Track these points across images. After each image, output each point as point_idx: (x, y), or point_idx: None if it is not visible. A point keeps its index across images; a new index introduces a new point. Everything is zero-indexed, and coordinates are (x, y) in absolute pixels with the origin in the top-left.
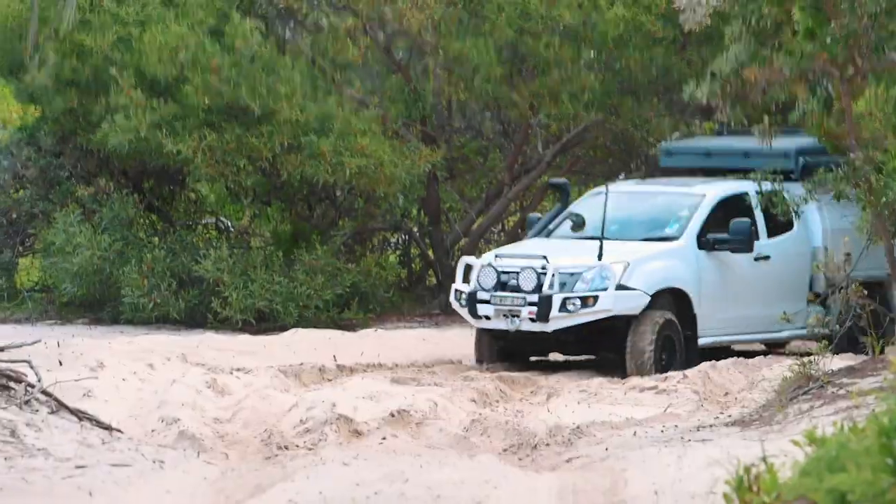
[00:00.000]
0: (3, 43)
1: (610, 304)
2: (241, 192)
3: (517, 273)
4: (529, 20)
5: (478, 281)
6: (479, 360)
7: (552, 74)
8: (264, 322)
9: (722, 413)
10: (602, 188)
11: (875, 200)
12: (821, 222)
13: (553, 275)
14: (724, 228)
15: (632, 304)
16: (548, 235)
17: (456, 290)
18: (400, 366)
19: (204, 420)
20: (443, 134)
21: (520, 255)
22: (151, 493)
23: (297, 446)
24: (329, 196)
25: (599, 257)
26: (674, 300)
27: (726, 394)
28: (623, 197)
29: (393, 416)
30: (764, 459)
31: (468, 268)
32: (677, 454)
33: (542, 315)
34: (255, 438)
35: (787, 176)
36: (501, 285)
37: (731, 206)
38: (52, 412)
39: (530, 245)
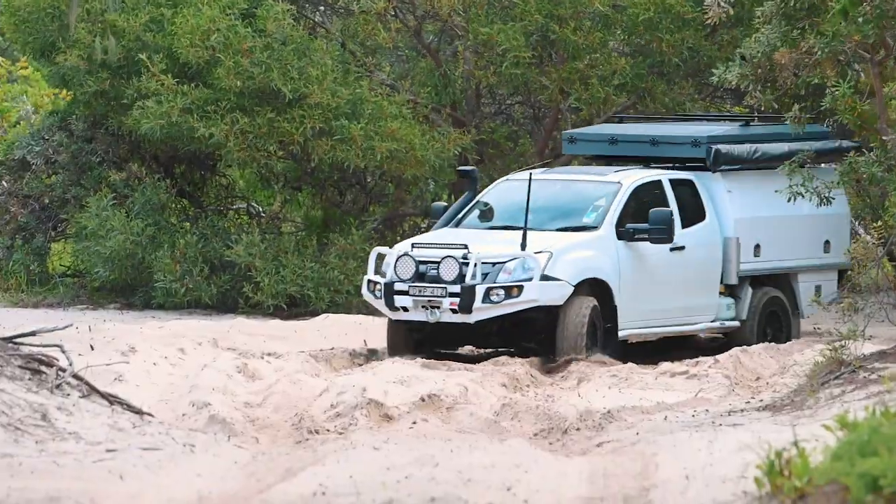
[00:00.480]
0: (35, 25)
1: (535, 295)
2: (272, 178)
3: (437, 263)
4: (559, 5)
5: (395, 271)
6: (393, 354)
7: (582, 59)
8: (295, 307)
9: (753, 398)
10: (510, 176)
11: None
12: (732, 212)
13: (476, 265)
14: (641, 218)
15: (556, 294)
16: (457, 225)
17: (369, 282)
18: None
19: (235, 404)
20: (473, 119)
21: (440, 245)
22: (182, 476)
23: (328, 430)
24: (360, 181)
25: (523, 247)
26: (594, 291)
27: (757, 378)
28: (535, 185)
29: (423, 400)
30: (795, 444)
31: (380, 258)
32: (708, 439)
33: (465, 306)
34: (286, 423)
35: (697, 166)
36: (420, 276)
37: (646, 195)
38: (84, 396)
39: (443, 235)
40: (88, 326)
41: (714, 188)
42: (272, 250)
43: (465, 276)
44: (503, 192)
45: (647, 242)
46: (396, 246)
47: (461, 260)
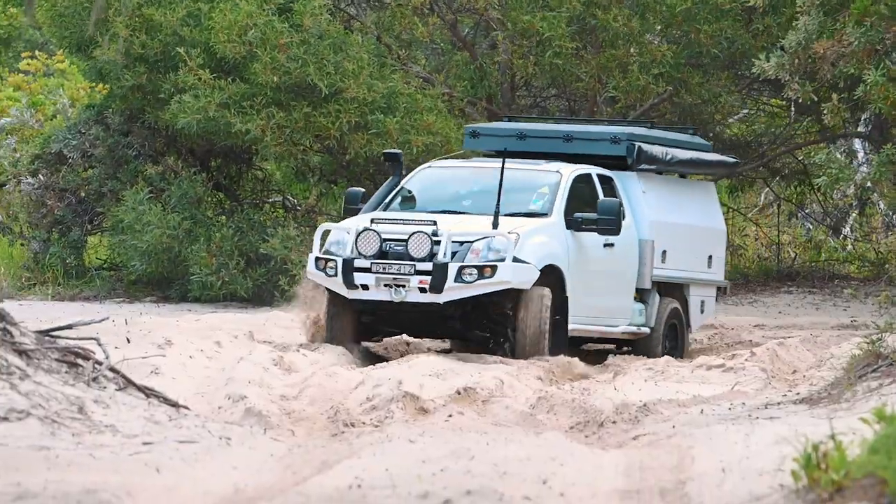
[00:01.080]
0: (72, 19)
1: (509, 276)
2: (308, 171)
3: (404, 240)
4: None
5: (355, 247)
6: (331, 340)
7: (620, 47)
8: None
9: (790, 391)
10: (432, 163)
11: None
12: (647, 213)
13: (447, 242)
14: (578, 209)
15: (526, 277)
16: (385, 209)
17: (318, 259)
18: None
19: (270, 397)
20: (508, 111)
21: (406, 221)
22: (218, 468)
23: (364, 423)
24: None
25: (495, 226)
26: (549, 280)
27: (794, 371)
28: (467, 172)
29: (459, 393)
30: (832, 437)
31: (326, 234)
32: (745, 432)
33: (437, 285)
34: (322, 415)
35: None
36: (383, 253)
37: (581, 188)
38: (120, 389)
39: (356, 220)
40: (125, 319)
41: (630, 188)
42: (308, 243)
43: (436, 253)
44: (427, 179)
45: (591, 234)
46: (345, 222)
47: (432, 237)
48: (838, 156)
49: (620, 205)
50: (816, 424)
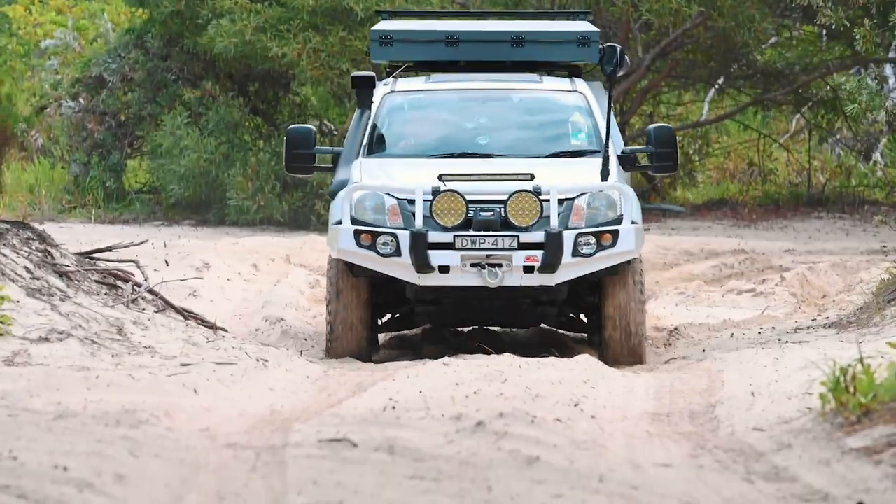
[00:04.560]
0: None
1: (632, 244)
2: (345, 95)
3: (502, 201)
4: None
5: (433, 215)
6: (339, 350)
7: None
8: None
9: (819, 315)
10: (394, 88)
11: None
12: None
13: (555, 202)
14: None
15: (641, 245)
16: (368, 155)
17: (359, 232)
18: None
19: (307, 320)
20: None
21: (496, 175)
22: (255, 390)
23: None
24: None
25: (604, 176)
26: None
27: (824, 296)
28: (454, 98)
29: None
30: (861, 361)
31: (364, 198)
32: (774, 356)
33: (551, 262)
34: None
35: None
36: (466, 222)
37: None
38: (159, 311)
39: (360, 172)
40: (164, 242)
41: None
42: None
43: (548, 217)
44: (403, 110)
45: (652, 172)
46: (402, 175)
47: (539, 196)
48: (869, 82)
49: (673, 131)
50: (845, 348)
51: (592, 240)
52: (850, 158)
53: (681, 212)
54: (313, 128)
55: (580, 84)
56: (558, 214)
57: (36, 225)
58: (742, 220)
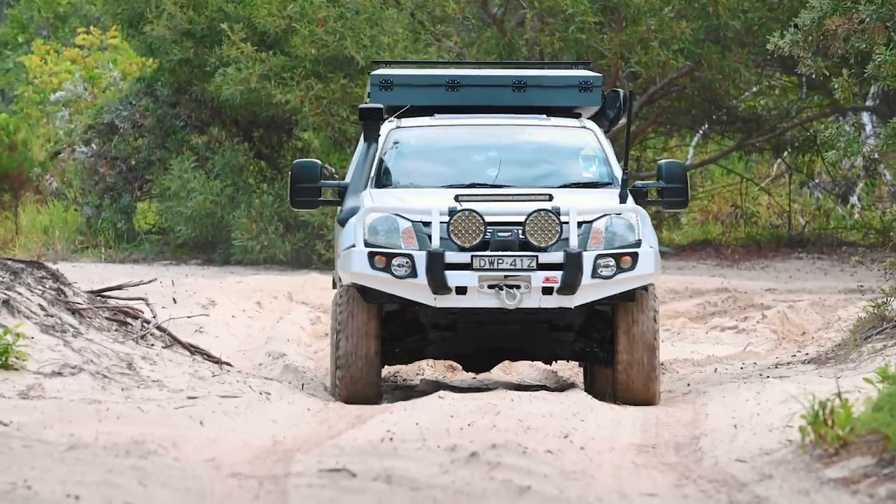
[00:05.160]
0: None
1: (651, 267)
2: (345, 141)
3: (520, 222)
4: None
5: (450, 235)
6: (362, 393)
7: (642, 24)
8: None
9: (799, 351)
10: (400, 123)
11: None
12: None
13: (575, 223)
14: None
15: (659, 269)
16: (377, 185)
17: (373, 255)
18: None
19: (308, 355)
20: None
21: (515, 197)
22: (258, 422)
23: (395, 381)
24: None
25: (623, 199)
26: None
27: (803, 333)
28: (461, 133)
29: None
30: (839, 395)
31: (378, 222)
32: (756, 390)
33: (570, 283)
34: None
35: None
36: (484, 243)
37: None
38: (167, 346)
39: (371, 199)
40: (171, 281)
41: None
42: None
43: (567, 239)
44: (410, 143)
45: (663, 208)
46: (415, 199)
47: (559, 217)
48: (847, 129)
49: (685, 167)
50: (823, 383)
51: (612, 262)
52: (829, 202)
53: (666, 252)
54: (318, 161)
55: (588, 121)
56: (578, 236)
57: (50, 264)
58: (725, 260)
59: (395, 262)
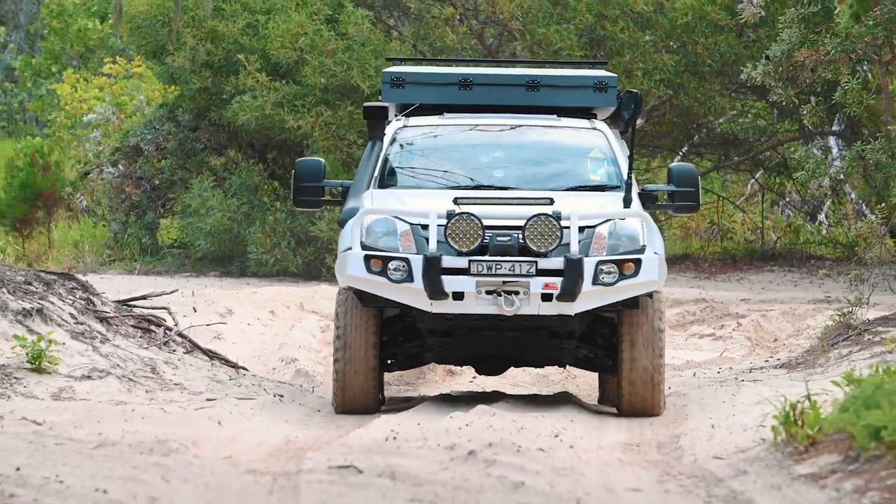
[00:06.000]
0: (148, 30)
1: (655, 274)
2: (353, 163)
3: (519, 227)
4: (607, 6)
5: (446, 238)
6: (361, 402)
7: (626, 56)
8: None
9: (771, 357)
10: (407, 123)
11: None
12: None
13: (576, 228)
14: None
15: (664, 276)
16: (379, 187)
17: (369, 258)
18: None
19: (318, 360)
20: None
21: (514, 200)
22: (272, 422)
23: (399, 384)
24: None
25: (627, 203)
26: None
27: (775, 340)
28: (469, 132)
29: None
30: (808, 397)
31: (376, 224)
32: (731, 392)
33: (570, 289)
34: None
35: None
36: (482, 247)
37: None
38: (187, 352)
39: (371, 200)
40: (192, 291)
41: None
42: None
43: (569, 244)
44: (416, 143)
45: (672, 212)
46: (414, 201)
47: (559, 221)
48: (815, 152)
49: (696, 172)
50: (794, 386)
51: (614, 268)
52: (799, 219)
53: None
54: (322, 160)
55: (599, 122)
56: (579, 241)
57: (80, 276)
58: (703, 272)
59: (391, 265)
